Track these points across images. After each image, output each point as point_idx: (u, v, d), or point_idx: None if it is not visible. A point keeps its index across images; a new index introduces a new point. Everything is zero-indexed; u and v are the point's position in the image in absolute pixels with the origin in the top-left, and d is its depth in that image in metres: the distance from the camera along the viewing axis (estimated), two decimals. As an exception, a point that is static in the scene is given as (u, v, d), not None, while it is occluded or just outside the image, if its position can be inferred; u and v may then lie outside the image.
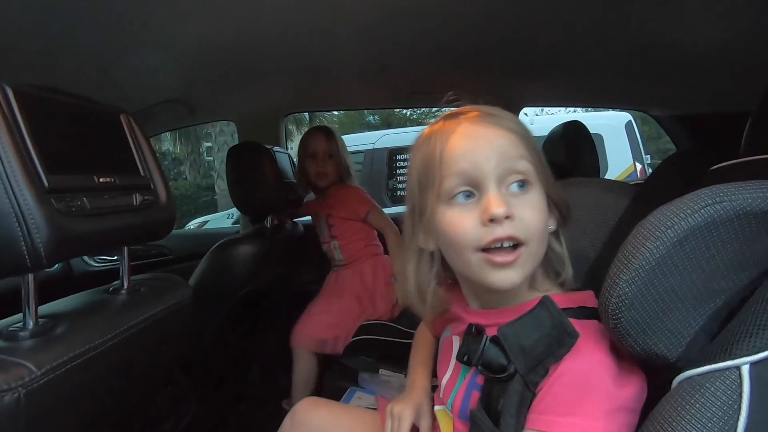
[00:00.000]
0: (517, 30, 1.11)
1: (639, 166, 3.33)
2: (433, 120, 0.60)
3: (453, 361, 0.63)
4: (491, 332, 0.54)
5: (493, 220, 0.50)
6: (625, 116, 3.30)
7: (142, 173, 0.68)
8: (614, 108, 2.40)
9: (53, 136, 0.52)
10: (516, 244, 0.51)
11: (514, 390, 0.49)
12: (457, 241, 0.52)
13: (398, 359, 1.17)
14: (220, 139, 7.85)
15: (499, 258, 0.50)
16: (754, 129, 0.67)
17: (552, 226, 0.57)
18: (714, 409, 0.39)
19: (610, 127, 3.30)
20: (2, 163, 0.44)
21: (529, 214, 0.52)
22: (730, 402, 0.39)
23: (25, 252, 0.45)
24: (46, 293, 0.58)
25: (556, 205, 0.57)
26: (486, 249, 0.51)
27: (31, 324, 0.50)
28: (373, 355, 1.30)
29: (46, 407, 0.47)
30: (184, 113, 1.63)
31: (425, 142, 0.57)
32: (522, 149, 0.53)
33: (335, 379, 1.30)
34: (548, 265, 0.58)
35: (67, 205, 0.50)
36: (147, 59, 1.11)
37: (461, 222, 0.52)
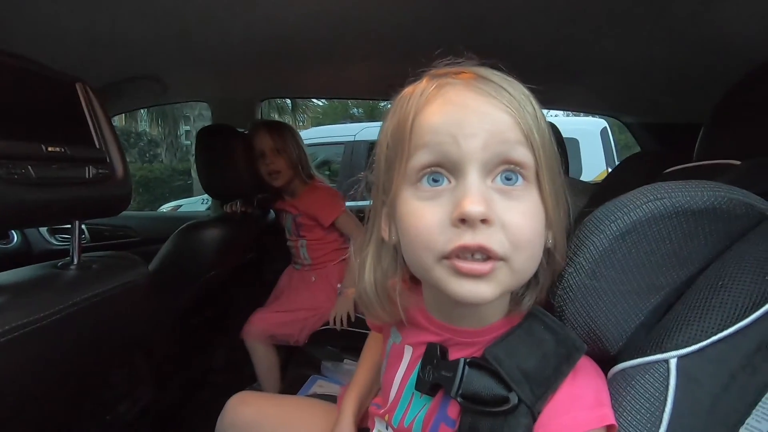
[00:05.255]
0: (494, 34, 1.12)
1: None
2: None
3: (400, 375, 0.51)
4: (457, 353, 0.44)
5: (465, 221, 0.37)
6: (601, 123, 3.38)
7: (97, 145, 0.65)
8: (589, 113, 2.47)
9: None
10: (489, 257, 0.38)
11: (519, 424, 0.39)
12: (415, 240, 0.40)
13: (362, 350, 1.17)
14: (198, 122, 7.68)
15: (466, 266, 0.38)
16: (705, 139, 0.73)
17: (550, 242, 0.44)
18: (642, 400, 0.41)
19: (586, 132, 3.38)
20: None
21: (517, 220, 0.39)
22: (657, 394, 0.40)
23: (-42, 218, 0.43)
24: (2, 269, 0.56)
25: (549, 224, 0.43)
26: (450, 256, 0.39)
27: (-34, 294, 0.48)
28: (338, 345, 1.30)
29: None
30: (157, 91, 1.58)
31: (401, 104, 0.44)
32: (522, 134, 0.39)
33: (299, 367, 1.30)
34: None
35: (9, 171, 0.48)
36: (117, 31, 1.07)
37: (424, 215, 0.39)
